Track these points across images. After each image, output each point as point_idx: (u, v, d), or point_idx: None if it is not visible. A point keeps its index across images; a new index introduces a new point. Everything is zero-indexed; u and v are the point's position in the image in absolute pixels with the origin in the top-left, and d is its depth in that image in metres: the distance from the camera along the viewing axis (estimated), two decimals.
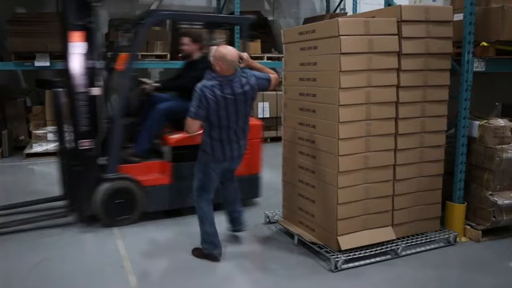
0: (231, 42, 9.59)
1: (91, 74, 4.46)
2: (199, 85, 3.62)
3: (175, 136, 4.80)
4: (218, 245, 3.92)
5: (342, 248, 3.80)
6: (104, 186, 4.53)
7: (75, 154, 4.49)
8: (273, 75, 3.87)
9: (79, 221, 4.68)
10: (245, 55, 3.84)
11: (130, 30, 5.19)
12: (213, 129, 3.74)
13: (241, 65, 3.79)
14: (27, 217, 4.73)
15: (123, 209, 4.62)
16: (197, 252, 3.98)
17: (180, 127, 4.45)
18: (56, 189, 5.12)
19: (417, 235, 4.17)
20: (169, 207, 4.90)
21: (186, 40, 5.00)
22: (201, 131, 3.84)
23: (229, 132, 3.76)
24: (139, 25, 4.78)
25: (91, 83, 4.45)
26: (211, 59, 3.73)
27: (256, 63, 3.95)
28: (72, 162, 4.53)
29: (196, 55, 5.04)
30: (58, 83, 4.59)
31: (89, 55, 4.43)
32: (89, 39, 4.41)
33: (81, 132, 4.45)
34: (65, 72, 4.47)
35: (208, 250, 3.89)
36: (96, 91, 4.47)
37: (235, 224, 4.29)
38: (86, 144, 4.45)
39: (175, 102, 4.96)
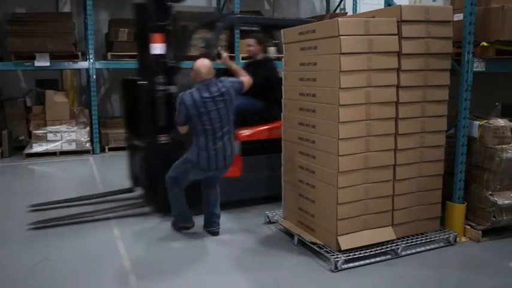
0: (231, 43, 9.60)
1: (169, 73, 4.78)
2: (180, 94, 4.06)
3: (245, 132, 5.08)
4: (191, 218, 4.49)
5: (342, 248, 3.80)
6: None
7: (152, 148, 4.76)
8: (245, 78, 4.29)
9: (156, 212, 4.96)
10: (224, 54, 4.51)
11: (203, 31, 5.62)
12: (199, 137, 4.05)
13: (219, 61, 4.44)
14: (108, 207, 5.09)
15: (197, 200, 4.59)
16: (174, 227, 4.56)
17: (248, 123, 5.06)
18: (56, 189, 5.12)
19: (417, 235, 4.17)
20: (239, 198, 5.17)
21: (251, 41, 5.39)
22: None
23: (216, 140, 4.05)
24: (212, 27, 5.10)
25: (169, 82, 4.77)
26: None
27: (233, 65, 4.50)
28: (150, 156, 4.80)
29: (260, 56, 5.39)
30: (139, 81, 4.83)
31: (167, 55, 4.79)
32: (168, 40, 4.75)
33: (160, 127, 4.73)
34: (145, 71, 4.83)
35: (183, 224, 4.50)
36: (173, 89, 4.78)
37: (210, 225, 4.48)
38: (163, 138, 4.76)
39: (244, 100, 4.98)
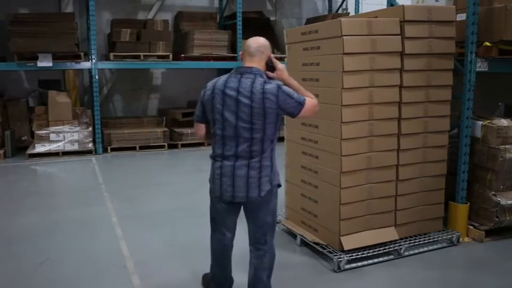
0: (233, 43, 9.61)
1: None
2: None
3: None
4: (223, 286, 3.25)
5: (345, 248, 3.80)
6: None
7: None
8: (308, 99, 2.83)
9: None
10: (281, 66, 2.89)
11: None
12: (212, 145, 2.93)
13: (271, 75, 2.86)
14: None
15: None
16: (206, 280, 3.43)
17: None
18: (57, 188, 5.13)
19: (420, 235, 4.16)
20: None
21: None
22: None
23: (224, 155, 2.82)
24: None
25: None
26: None
27: (293, 81, 2.91)
28: None
29: None
30: None
31: None
32: None
33: None
34: None
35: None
36: None
37: None
38: None
39: None
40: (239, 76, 2.79)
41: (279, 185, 2.97)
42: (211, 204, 3.05)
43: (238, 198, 2.85)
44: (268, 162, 2.84)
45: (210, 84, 2.88)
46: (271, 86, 2.73)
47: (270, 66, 2.88)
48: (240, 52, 3.02)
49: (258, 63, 2.83)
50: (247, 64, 2.83)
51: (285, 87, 2.78)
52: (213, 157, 2.91)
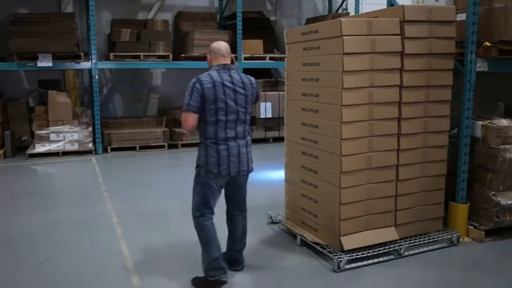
0: (233, 43, 9.61)
1: None
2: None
3: None
4: (225, 267, 3.50)
5: (345, 248, 3.80)
6: None
7: None
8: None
9: None
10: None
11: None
12: (208, 131, 3.32)
13: None
14: None
15: None
16: (199, 282, 3.50)
17: None
18: (57, 188, 5.12)
19: (420, 235, 4.16)
20: None
21: None
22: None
23: (228, 137, 3.35)
24: None
25: None
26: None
27: None
28: None
29: None
30: None
31: None
32: None
33: None
34: None
35: (216, 277, 3.40)
36: None
37: (234, 264, 3.73)
38: None
39: None
40: (228, 71, 3.38)
41: None
42: (205, 188, 3.40)
43: (242, 172, 3.43)
44: (250, 139, 3.54)
45: (205, 78, 3.29)
46: (253, 79, 3.53)
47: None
48: (208, 56, 3.50)
49: (229, 61, 3.47)
50: (224, 62, 3.42)
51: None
52: (216, 142, 3.33)
